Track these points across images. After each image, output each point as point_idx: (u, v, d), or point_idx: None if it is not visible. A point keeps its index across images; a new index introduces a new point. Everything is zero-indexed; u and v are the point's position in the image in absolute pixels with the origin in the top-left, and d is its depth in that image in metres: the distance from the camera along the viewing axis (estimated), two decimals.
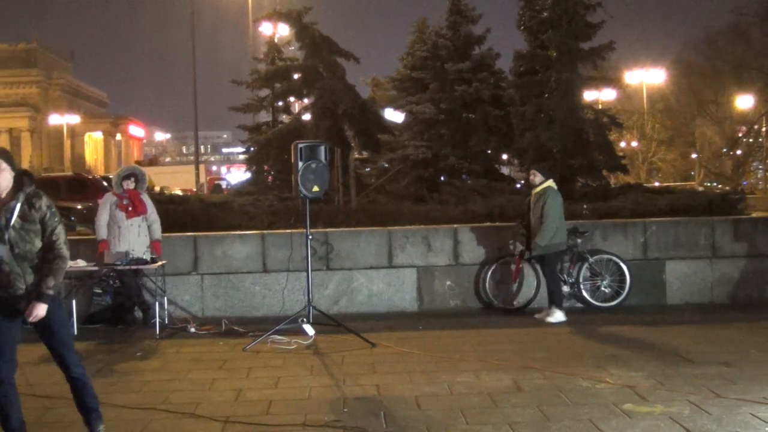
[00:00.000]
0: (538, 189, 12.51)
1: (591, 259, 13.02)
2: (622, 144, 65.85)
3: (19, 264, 6.15)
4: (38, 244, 6.24)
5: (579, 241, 13.03)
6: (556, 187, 12.58)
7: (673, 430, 6.82)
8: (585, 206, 18.87)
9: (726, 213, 15.87)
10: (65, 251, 6.32)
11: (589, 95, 34.53)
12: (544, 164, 13.39)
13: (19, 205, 6.15)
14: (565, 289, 13.03)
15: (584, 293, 13.08)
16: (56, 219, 6.31)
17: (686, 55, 68.92)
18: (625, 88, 60.85)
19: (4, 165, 6.17)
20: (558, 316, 12.17)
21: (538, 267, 12.97)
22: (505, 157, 36.98)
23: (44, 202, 6.27)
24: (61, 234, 6.30)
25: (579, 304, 13.20)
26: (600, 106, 38.88)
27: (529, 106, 29.92)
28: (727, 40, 63.51)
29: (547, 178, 12.55)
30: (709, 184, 64.01)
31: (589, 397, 7.84)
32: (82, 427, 7.13)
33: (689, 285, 13.49)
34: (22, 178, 6.26)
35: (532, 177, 12.76)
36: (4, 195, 6.18)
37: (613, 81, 41.30)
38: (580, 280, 13.04)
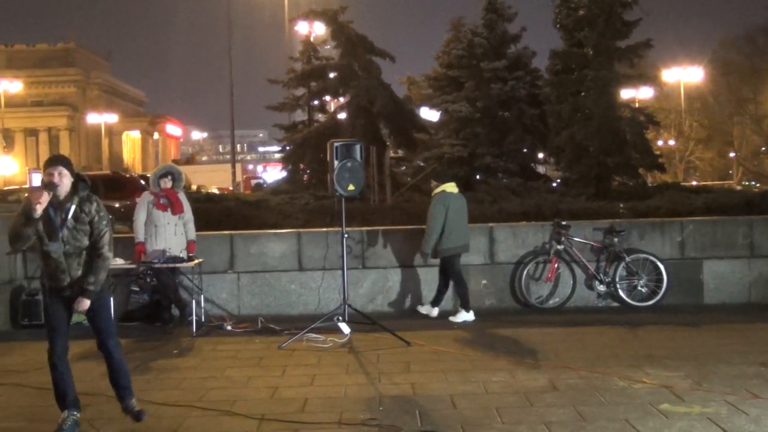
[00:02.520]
0: (432, 195, 12.61)
1: (627, 259, 12.95)
2: (660, 143, 65.36)
3: (67, 259, 6.94)
4: (86, 242, 7.00)
5: (615, 240, 12.96)
6: (456, 190, 12.58)
7: (711, 430, 6.77)
8: (621, 205, 18.80)
9: (764, 212, 15.70)
10: (107, 252, 7.06)
11: (625, 93, 34.40)
12: (444, 170, 13.32)
13: (73, 207, 6.93)
14: (601, 288, 12.99)
15: (620, 292, 13.01)
16: (104, 222, 7.05)
17: (724, 52, 68.20)
18: (662, 87, 60.36)
19: (65, 171, 6.89)
20: (463, 315, 12.27)
21: (573, 267, 12.96)
22: (540, 155, 36.92)
23: (95, 206, 7.02)
24: (105, 236, 7.04)
25: (615, 304, 13.14)
26: (637, 105, 38.69)
27: (565, 104, 29.85)
28: (766, 37, 62.90)
29: (440, 183, 12.54)
30: (747, 183, 63.41)
31: (625, 397, 7.80)
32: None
33: (727, 285, 13.38)
34: (78, 182, 7.00)
35: (431, 185, 12.89)
36: (62, 197, 6.91)
37: (651, 79, 41.02)
38: (617, 280, 12.97)
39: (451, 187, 12.49)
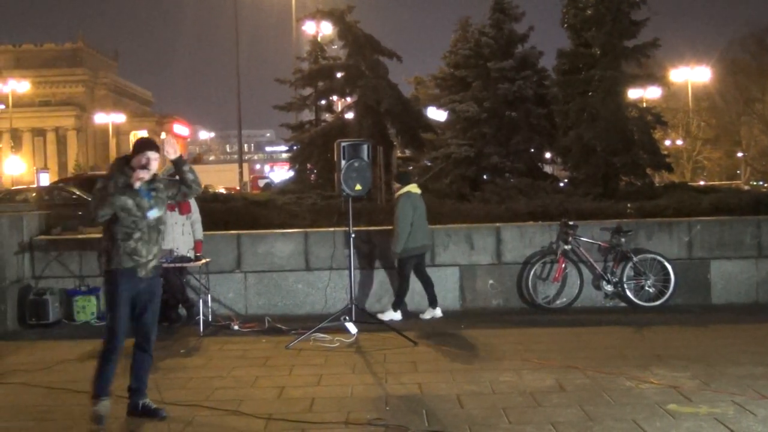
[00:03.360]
0: (395, 197, 12.59)
1: (635, 259, 12.93)
2: (667, 142, 65.21)
3: (150, 232, 7.39)
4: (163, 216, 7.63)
5: (623, 240, 12.95)
6: (419, 191, 12.59)
7: (718, 431, 6.76)
8: (629, 205, 18.76)
9: None
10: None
11: (633, 93, 34.35)
12: (406, 172, 13.37)
13: (157, 184, 7.49)
14: (609, 288, 12.98)
15: (628, 292, 12.99)
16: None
17: (732, 52, 68.18)
18: (670, 86, 60.33)
19: (156, 155, 7.39)
20: (390, 314, 12.30)
21: (581, 267, 12.96)
22: (548, 155, 36.85)
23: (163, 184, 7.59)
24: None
25: (622, 304, 13.13)
26: (644, 104, 38.61)
27: (572, 104, 29.81)
28: None
29: (404, 185, 12.54)
30: (755, 183, 63.28)
31: (632, 398, 7.79)
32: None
33: (734, 285, 13.35)
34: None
35: (394, 186, 12.97)
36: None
37: (658, 79, 40.94)
38: (624, 280, 12.95)
39: (414, 189, 12.53)
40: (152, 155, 7.31)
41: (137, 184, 7.17)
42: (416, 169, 35.87)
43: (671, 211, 17.12)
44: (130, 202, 7.20)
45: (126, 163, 7.38)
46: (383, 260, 13.22)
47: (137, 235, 7.25)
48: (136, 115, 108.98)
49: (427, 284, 12.61)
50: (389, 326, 10.96)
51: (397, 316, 12.27)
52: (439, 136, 35.80)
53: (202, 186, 8.13)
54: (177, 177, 7.59)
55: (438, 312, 12.50)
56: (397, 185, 12.72)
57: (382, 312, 12.43)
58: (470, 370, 9.06)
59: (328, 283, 12.82)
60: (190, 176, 7.58)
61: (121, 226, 7.21)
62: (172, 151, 7.47)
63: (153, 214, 7.35)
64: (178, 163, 7.55)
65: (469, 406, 7.63)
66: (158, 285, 7.67)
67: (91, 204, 7.36)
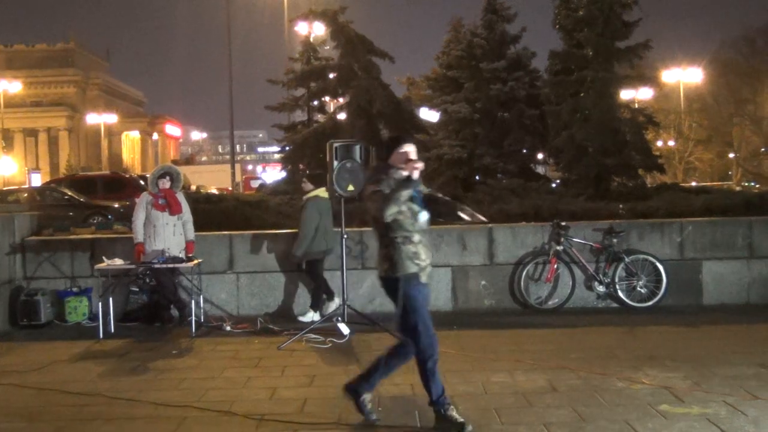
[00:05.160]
0: (304, 198, 12.68)
1: (627, 259, 12.95)
2: (659, 143, 65.23)
3: (423, 234, 7.21)
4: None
5: (615, 240, 12.97)
6: (327, 196, 12.51)
7: (710, 431, 6.77)
8: (621, 206, 18.78)
9: (764, 213, 15.67)
10: None
11: (625, 94, 34.38)
12: (318, 172, 13.45)
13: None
14: (601, 289, 13.00)
15: (620, 293, 13.02)
16: None
17: (724, 53, 68.24)
18: (662, 87, 60.31)
19: (414, 147, 7.14)
20: (310, 316, 12.38)
21: (573, 267, 12.97)
22: (540, 156, 36.92)
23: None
24: None
25: (614, 304, 13.15)
26: (636, 105, 38.62)
27: (564, 105, 29.84)
28: (766, 38, 63.00)
29: (316, 187, 12.60)
30: (746, 184, 63.35)
31: (624, 398, 7.81)
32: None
33: (726, 285, 13.38)
34: None
35: (303, 185, 12.95)
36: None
37: (650, 80, 41.05)
38: (616, 280, 12.98)
39: (322, 193, 12.54)
40: (411, 147, 7.08)
41: (416, 174, 6.86)
42: None
43: (663, 212, 17.14)
44: (408, 194, 6.91)
45: (386, 166, 7.09)
46: (375, 261, 13.18)
47: (416, 237, 7.04)
48: (128, 116, 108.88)
49: (318, 287, 12.69)
50: (382, 327, 10.93)
51: (317, 316, 12.29)
52: (431, 136, 35.82)
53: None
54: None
55: (317, 316, 12.40)
56: (308, 185, 12.73)
57: (303, 314, 12.58)
58: (462, 371, 9.06)
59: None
60: None
61: (400, 229, 6.98)
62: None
63: (425, 215, 7.08)
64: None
65: (462, 406, 7.62)
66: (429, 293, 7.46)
67: (376, 205, 6.90)
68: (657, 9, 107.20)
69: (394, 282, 7.09)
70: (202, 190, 35.34)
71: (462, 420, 6.90)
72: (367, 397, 7.25)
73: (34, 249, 13.19)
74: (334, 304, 12.53)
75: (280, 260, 13.23)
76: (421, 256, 7.06)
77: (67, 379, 8.93)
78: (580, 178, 28.25)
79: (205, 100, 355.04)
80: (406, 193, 6.82)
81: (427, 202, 7.17)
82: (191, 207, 12.74)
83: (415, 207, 6.98)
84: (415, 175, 6.84)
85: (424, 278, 7.12)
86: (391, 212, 6.80)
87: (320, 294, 12.61)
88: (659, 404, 7.53)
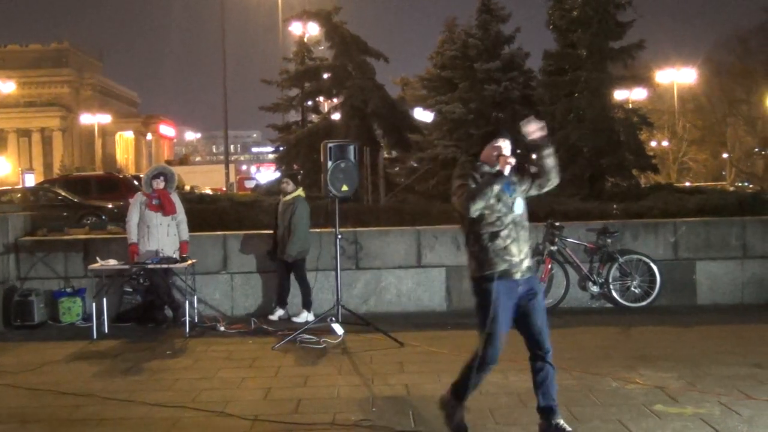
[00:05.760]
0: (288, 198, 12.72)
1: (621, 259, 12.96)
2: (653, 144, 65.26)
3: (518, 230, 6.72)
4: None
5: (609, 241, 12.98)
6: (304, 195, 12.80)
7: (704, 431, 6.77)
8: (615, 206, 18.77)
9: (758, 213, 15.68)
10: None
11: (619, 94, 34.40)
12: (295, 172, 13.48)
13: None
14: (595, 289, 13.00)
15: (614, 293, 13.02)
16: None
17: (717, 54, 68.55)
18: (655, 88, 60.32)
19: (507, 142, 6.88)
20: (304, 316, 12.39)
21: (567, 267, 12.97)
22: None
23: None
24: None
25: (608, 305, 13.15)
26: (630, 106, 38.65)
27: (558, 105, 29.87)
28: (759, 39, 63.04)
29: (297, 187, 12.74)
30: (740, 184, 63.45)
31: (618, 398, 7.81)
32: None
33: (720, 285, 13.39)
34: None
35: (284, 185, 13.01)
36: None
37: (644, 80, 41.03)
38: (610, 280, 12.98)
39: (302, 192, 12.82)
40: (504, 143, 6.77)
41: (507, 169, 6.52)
42: (403, 170, 35.89)
43: (657, 212, 17.13)
44: (497, 189, 6.50)
45: (476, 160, 6.82)
46: (370, 261, 13.21)
47: (505, 232, 6.61)
48: (121, 116, 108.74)
49: (287, 289, 12.79)
50: (376, 327, 10.94)
51: (311, 317, 12.31)
52: (425, 137, 35.85)
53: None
54: (531, 165, 6.90)
55: (311, 316, 12.40)
56: (291, 185, 12.82)
57: (297, 315, 12.57)
58: (457, 371, 9.02)
59: (314, 284, 12.79)
60: (549, 162, 6.87)
61: (487, 225, 6.63)
62: (536, 130, 6.84)
63: (519, 208, 6.71)
64: (541, 145, 6.90)
65: None
66: (537, 283, 7.10)
67: (461, 200, 6.56)
68: (651, 10, 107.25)
69: (480, 281, 6.97)
70: (196, 191, 35.36)
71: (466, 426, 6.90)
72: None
73: (27, 249, 13.16)
74: (282, 312, 12.69)
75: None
76: (512, 251, 6.66)
77: (61, 380, 8.91)
78: (574, 178, 28.25)
79: (199, 101, 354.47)
80: (495, 188, 6.47)
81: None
82: (185, 207, 12.72)
83: (507, 197, 6.62)
84: (507, 170, 6.51)
85: (518, 275, 6.74)
86: (476, 207, 6.46)
87: (310, 291, 12.64)
88: (653, 404, 7.53)
